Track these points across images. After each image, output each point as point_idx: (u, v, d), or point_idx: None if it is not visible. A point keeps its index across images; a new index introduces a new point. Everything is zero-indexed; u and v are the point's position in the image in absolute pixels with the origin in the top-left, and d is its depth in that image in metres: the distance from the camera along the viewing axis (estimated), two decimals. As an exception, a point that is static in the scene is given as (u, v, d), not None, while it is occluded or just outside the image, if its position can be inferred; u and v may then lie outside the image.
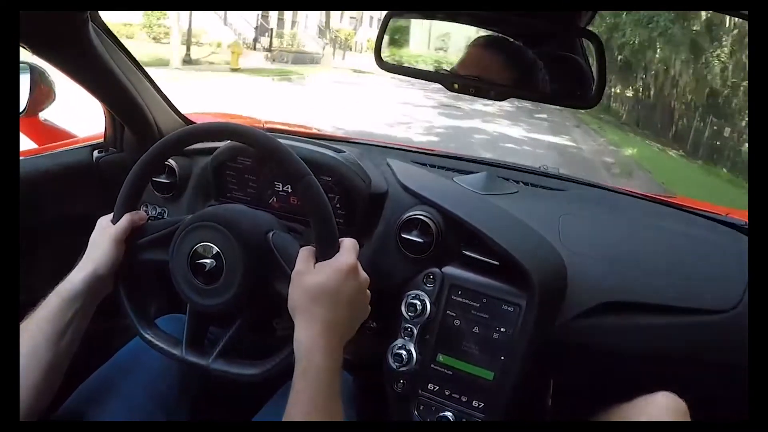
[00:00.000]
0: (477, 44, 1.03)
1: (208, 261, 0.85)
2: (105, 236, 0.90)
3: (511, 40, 1.06)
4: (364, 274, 0.81)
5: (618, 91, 24.29)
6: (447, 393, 1.03)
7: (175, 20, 16.38)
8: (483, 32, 1.13)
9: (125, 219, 0.91)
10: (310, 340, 0.75)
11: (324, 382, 0.73)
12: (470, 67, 0.99)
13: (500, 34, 1.09)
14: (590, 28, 1.18)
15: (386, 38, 1.00)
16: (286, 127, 1.64)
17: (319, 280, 0.76)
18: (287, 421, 0.73)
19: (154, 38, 20.01)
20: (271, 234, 0.87)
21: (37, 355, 0.80)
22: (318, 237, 0.80)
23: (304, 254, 0.79)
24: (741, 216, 1.24)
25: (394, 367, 1.03)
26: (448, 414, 1.02)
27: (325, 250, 0.79)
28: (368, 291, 0.82)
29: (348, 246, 0.81)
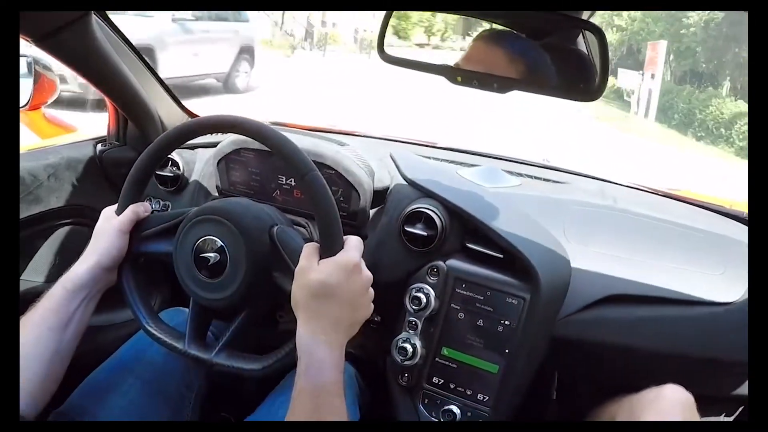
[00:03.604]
0: (482, 38, 1.02)
1: (211, 255, 0.85)
2: (109, 227, 0.89)
3: (516, 32, 1.06)
4: (367, 273, 0.80)
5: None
6: (452, 386, 1.03)
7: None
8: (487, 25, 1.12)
9: (129, 210, 0.91)
10: (312, 337, 0.74)
11: (327, 380, 0.73)
12: (475, 61, 0.98)
13: (504, 27, 1.09)
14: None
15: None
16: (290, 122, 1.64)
17: (322, 278, 0.75)
18: (290, 420, 0.72)
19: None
20: (275, 228, 0.87)
21: (41, 346, 0.80)
22: (322, 234, 0.79)
23: (308, 251, 0.78)
24: (744, 208, 1.24)
25: (399, 360, 1.03)
26: (453, 407, 1.02)
27: (329, 248, 0.78)
28: (371, 289, 0.81)
29: (352, 244, 0.80)
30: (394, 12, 0.95)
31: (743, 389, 1.06)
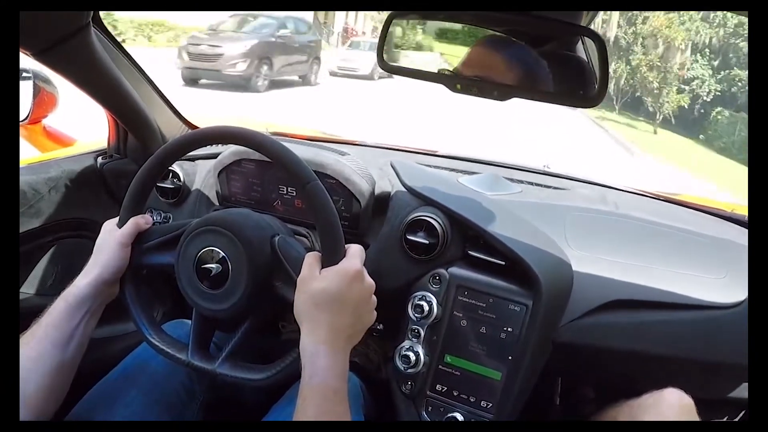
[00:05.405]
0: (480, 44, 1.02)
1: (213, 265, 0.85)
2: (111, 240, 0.89)
3: (514, 39, 1.06)
4: (369, 280, 0.80)
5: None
6: (455, 393, 1.02)
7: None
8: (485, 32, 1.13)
9: (131, 223, 0.91)
10: (316, 346, 0.74)
11: (331, 389, 0.73)
12: (474, 67, 0.98)
13: (503, 34, 1.09)
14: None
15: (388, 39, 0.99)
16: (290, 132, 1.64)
17: (324, 286, 0.75)
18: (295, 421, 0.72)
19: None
20: (276, 238, 0.87)
21: (44, 361, 0.80)
22: (324, 243, 0.79)
23: (310, 260, 0.79)
24: (745, 212, 1.24)
25: (402, 368, 1.03)
26: (457, 414, 1.02)
27: (331, 256, 0.78)
28: (374, 297, 0.81)
29: (354, 252, 0.80)
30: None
31: (744, 392, 1.06)
